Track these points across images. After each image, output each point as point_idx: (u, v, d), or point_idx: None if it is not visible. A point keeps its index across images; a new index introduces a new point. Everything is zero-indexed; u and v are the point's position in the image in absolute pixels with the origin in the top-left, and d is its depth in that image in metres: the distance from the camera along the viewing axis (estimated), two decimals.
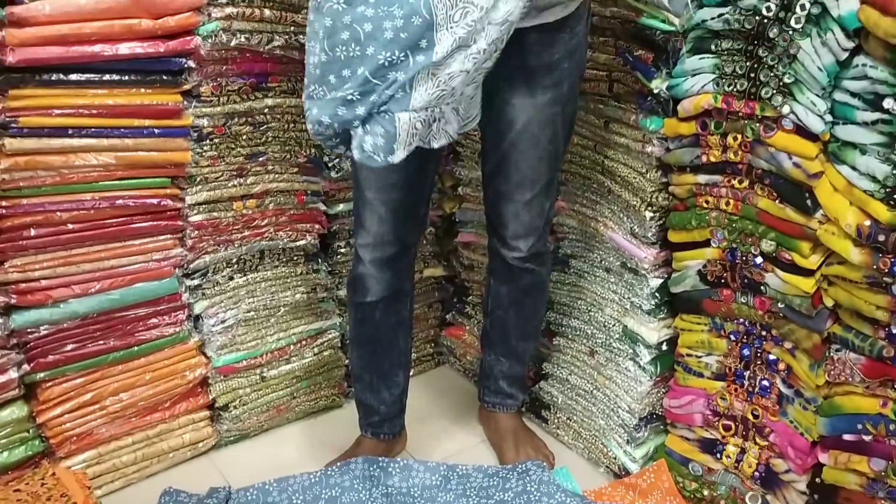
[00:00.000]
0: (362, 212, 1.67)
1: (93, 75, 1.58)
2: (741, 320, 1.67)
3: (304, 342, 2.06)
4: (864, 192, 1.37)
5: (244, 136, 1.81)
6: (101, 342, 1.75)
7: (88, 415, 1.78)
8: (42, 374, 1.70)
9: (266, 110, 1.82)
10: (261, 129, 1.83)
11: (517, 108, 1.59)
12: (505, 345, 1.95)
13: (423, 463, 1.90)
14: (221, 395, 1.96)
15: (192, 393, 1.92)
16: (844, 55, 1.35)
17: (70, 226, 1.65)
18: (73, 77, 1.56)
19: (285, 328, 2.03)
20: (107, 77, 1.59)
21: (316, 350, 2.09)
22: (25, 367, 1.67)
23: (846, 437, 1.53)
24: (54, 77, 1.54)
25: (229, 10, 1.65)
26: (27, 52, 1.48)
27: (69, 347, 1.72)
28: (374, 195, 1.63)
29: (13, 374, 1.64)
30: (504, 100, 1.59)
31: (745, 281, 1.62)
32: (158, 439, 1.90)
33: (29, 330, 1.66)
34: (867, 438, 1.50)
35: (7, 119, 1.52)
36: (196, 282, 1.86)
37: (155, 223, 1.75)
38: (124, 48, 1.57)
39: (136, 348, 1.80)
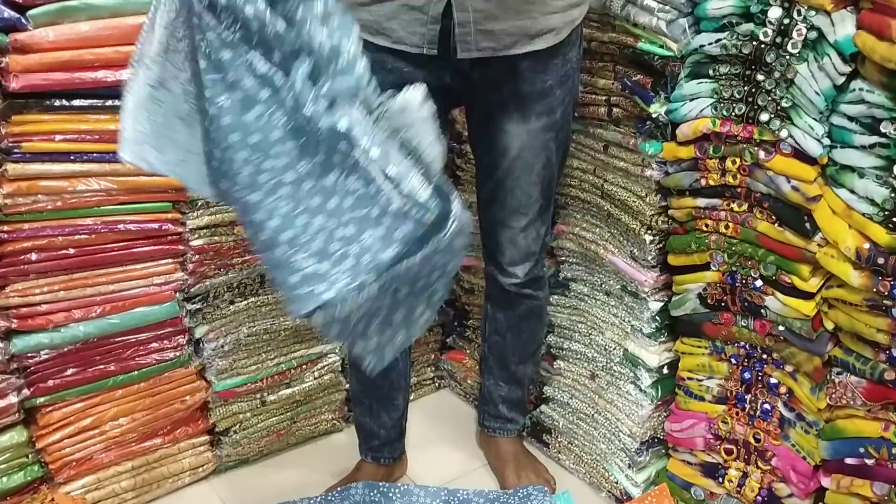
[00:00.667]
0: None
1: (95, 101, 1.59)
2: (742, 343, 1.67)
3: (304, 366, 2.06)
4: (863, 215, 1.38)
5: None
6: (102, 367, 1.75)
7: (88, 440, 1.77)
8: (42, 399, 1.70)
9: None
10: None
11: (511, 134, 1.59)
12: (503, 370, 1.94)
13: (424, 488, 1.89)
14: (221, 419, 1.95)
15: (193, 417, 1.92)
16: (841, 80, 1.36)
17: (71, 250, 1.65)
18: (76, 102, 1.58)
19: (285, 352, 2.02)
20: (109, 102, 1.60)
21: (316, 374, 2.08)
22: (25, 391, 1.66)
23: (848, 460, 1.52)
24: (57, 103, 1.56)
25: None
26: (30, 78, 1.49)
27: (69, 372, 1.71)
28: None
29: (13, 398, 1.64)
30: (498, 127, 1.59)
31: (746, 304, 1.62)
32: (158, 464, 1.89)
33: (29, 354, 1.66)
34: (870, 462, 1.49)
35: (10, 144, 1.53)
36: (196, 306, 1.86)
37: (156, 247, 1.75)
38: (127, 74, 1.57)
39: (136, 373, 1.79)
